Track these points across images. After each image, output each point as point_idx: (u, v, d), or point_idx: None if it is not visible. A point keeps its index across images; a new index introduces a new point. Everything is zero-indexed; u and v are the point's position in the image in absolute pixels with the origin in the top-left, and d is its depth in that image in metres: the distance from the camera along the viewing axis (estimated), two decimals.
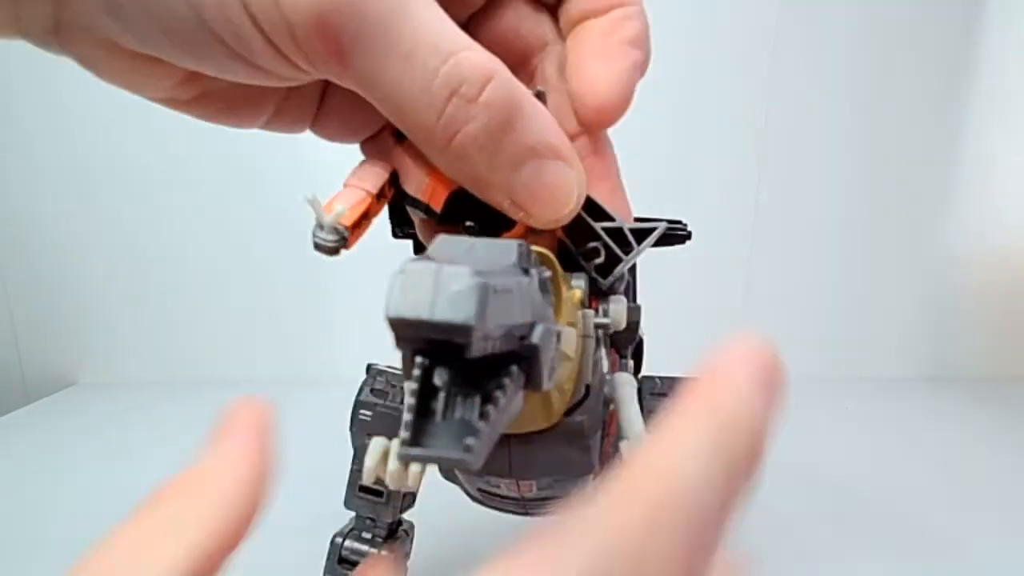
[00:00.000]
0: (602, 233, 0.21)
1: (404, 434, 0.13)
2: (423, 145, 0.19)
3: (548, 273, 0.18)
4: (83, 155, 0.76)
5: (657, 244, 0.29)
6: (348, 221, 0.18)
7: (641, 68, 0.21)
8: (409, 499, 0.36)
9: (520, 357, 0.14)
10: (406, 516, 0.38)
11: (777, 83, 0.76)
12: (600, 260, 0.21)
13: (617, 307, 0.23)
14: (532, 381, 0.15)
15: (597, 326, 0.22)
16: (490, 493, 0.29)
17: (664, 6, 0.76)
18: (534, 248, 0.18)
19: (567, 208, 0.20)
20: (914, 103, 0.78)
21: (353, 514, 0.35)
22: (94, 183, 0.77)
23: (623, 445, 0.22)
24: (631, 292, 0.30)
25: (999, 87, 0.78)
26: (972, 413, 0.72)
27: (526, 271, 0.15)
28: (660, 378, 0.31)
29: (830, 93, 0.77)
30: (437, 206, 0.20)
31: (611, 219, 0.21)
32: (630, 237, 0.21)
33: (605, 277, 0.21)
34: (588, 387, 0.22)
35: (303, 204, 0.18)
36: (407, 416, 0.13)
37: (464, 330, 0.11)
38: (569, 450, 0.22)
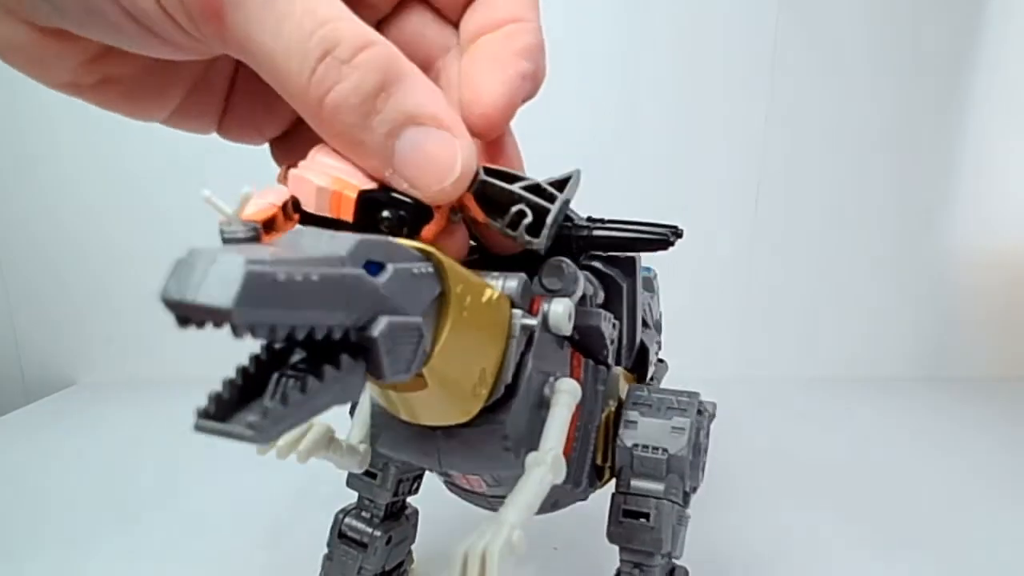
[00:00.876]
0: (520, 192, 0.20)
1: (207, 405, 0.13)
2: (300, 108, 0.19)
3: (426, 269, 0.17)
4: (83, 155, 0.76)
5: (640, 249, 0.28)
6: (259, 217, 0.18)
7: (531, 79, 0.21)
8: (408, 484, 0.37)
9: (360, 347, 0.15)
10: (413, 502, 0.39)
11: (777, 84, 0.76)
12: (528, 219, 0.20)
13: (556, 308, 0.23)
14: (374, 371, 0.15)
15: (523, 327, 0.22)
16: (456, 486, 0.29)
17: (665, 8, 0.76)
18: (411, 244, 0.17)
19: (450, 178, 0.19)
20: (914, 103, 0.78)
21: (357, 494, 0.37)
22: (94, 183, 0.77)
23: (529, 457, 0.21)
24: (622, 300, 0.29)
25: (999, 87, 0.78)
26: (972, 413, 0.72)
27: (377, 266, 0.15)
28: (651, 389, 0.30)
29: (830, 94, 0.77)
30: (348, 216, 0.19)
31: (522, 179, 0.21)
32: (550, 189, 0.20)
33: (538, 235, 0.20)
34: (512, 387, 0.22)
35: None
36: (215, 389, 0.13)
37: (224, 313, 0.11)
38: (489, 446, 0.22)
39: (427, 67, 0.23)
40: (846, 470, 0.57)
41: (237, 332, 0.12)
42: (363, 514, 0.36)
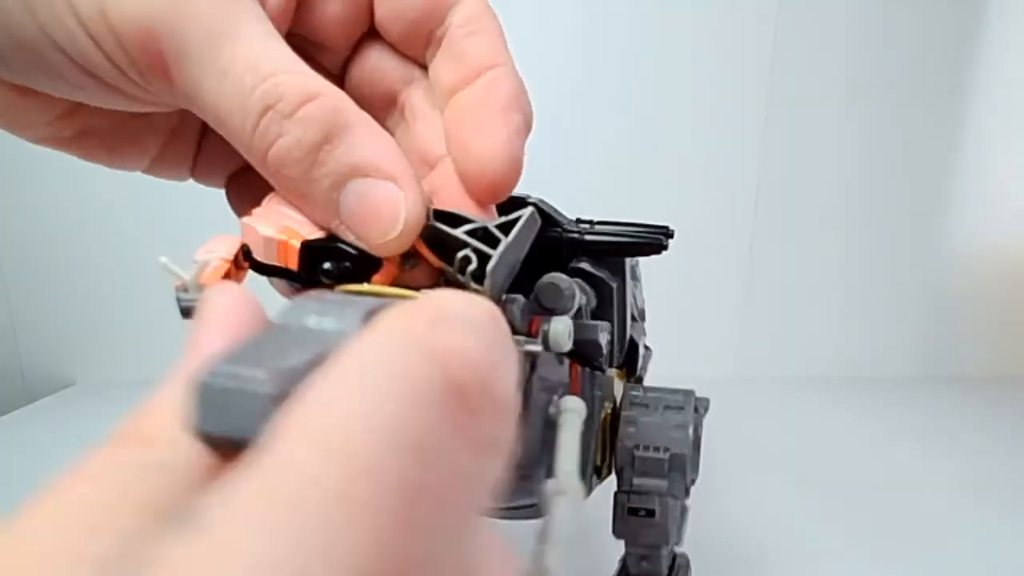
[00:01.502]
0: (465, 238, 0.19)
1: None
2: (249, 160, 0.19)
3: None
4: None
5: (633, 254, 0.28)
6: (213, 279, 0.18)
7: (524, 127, 0.21)
8: None
9: None
10: None
11: (777, 84, 0.76)
12: (473, 266, 0.19)
13: (557, 326, 0.22)
14: None
15: (527, 354, 0.21)
16: None
17: (665, 6, 0.76)
18: (408, 294, 0.17)
19: (393, 230, 0.18)
20: (914, 103, 0.78)
21: None
22: (94, 183, 0.77)
23: (548, 484, 0.21)
24: (613, 303, 0.29)
25: (999, 87, 0.78)
26: (972, 413, 0.72)
27: None
28: (646, 388, 0.31)
29: (830, 93, 0.77)
30: (293, 265, 0.19)
31: (471, 221, 0.20)
32: (497, 233, 0.20)
33: (482, 283, 0.19)
34: (521, 415, 0.22)
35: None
36: None
37: (246, 438, 0.11)
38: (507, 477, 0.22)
39: (391, 99, 0.23)
40: (846, 470, 0.57)
41: None
42: None
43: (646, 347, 0.42)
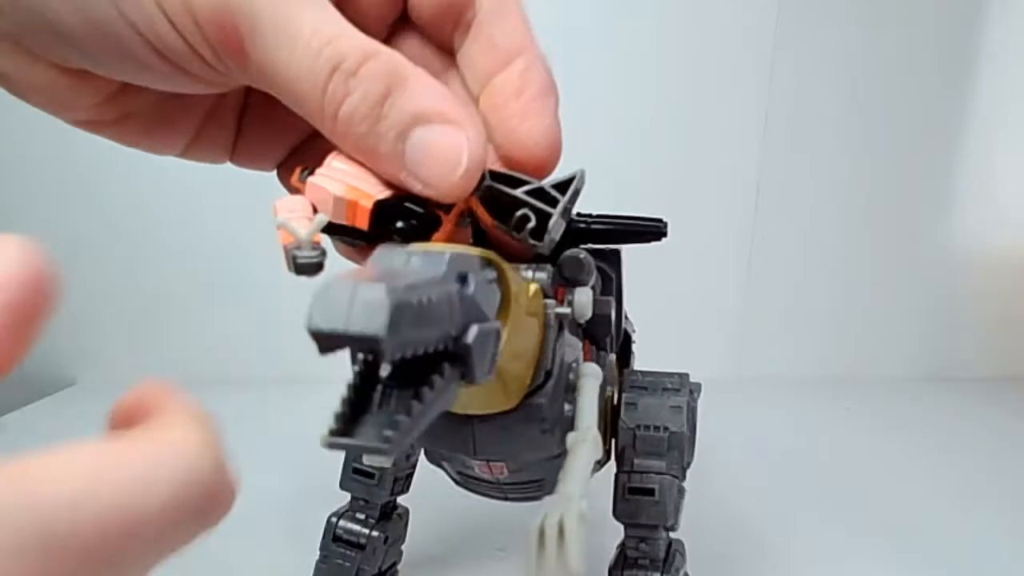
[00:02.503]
0: (523, 197, 0.21)
1: (332, 424, 0.14)
2: (318, 124, 0.20)
3: (493, 275, 0.19)
4: (83, 156, 0.76)
5: (634, 241, 0.30)
6: (318, 237, 0.19)
7: (557, 106, 0.22)
8: (402, 483, 0.37)
9: (455, 355, 0.16)
10: (402, 501, 0.39)
11: (777, 84, 0.77)
12: (532, 224, 0.21)
13: (581, 298, 0.24)
14: (468, 376, 0.16)
15: (557, 315, 0.23)
16: (468, 476, 0.30)
17: (665, 6, 0.76)
18: (476, 252, 0.19)
19: (458, 170, 0.19)
20: (914, 102, 0.78)
21: (349, 496, 0.37)
22: (93, 183, 0.77)
23: (569, 437, 0.23)
24: (612, 290, 0.30)
25: (999, 87, 0.78)
26: (972, 413, 0.72)
27: (464, 278, 0.16)
28: (643, 372, 0.32)
29: (830, 93, 0.77)
30: (364, 225, 0.20)
31: (527, 182, 0.21)
32: (554, 192, 0.21)
33: (542, 238, 0.21)
34: (549, 372, 0.23)
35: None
36: (337, 408, 0.14)
37: (375, 341, 0.12)
38: (528, 430, 0.24)
39: None
40: (845, 470, 0.57)
41: (384, 356, 0.13)
42: (357, 515, 0.37)
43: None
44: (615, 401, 0.31)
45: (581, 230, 0.29)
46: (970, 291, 0.84)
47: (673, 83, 0.77)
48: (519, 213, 0.21)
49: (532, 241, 0.21)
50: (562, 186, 0.21)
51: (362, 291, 0.12)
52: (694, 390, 0.32)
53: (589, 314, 0.25)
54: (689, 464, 0.31)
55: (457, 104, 0.20)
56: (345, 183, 0.20)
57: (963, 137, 0.80)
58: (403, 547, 0.40)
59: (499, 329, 0.18)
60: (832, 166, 0.79)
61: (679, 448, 0.29)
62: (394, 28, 0.24)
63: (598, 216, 0.29)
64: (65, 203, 0.78)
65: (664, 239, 0.29)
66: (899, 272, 0.83)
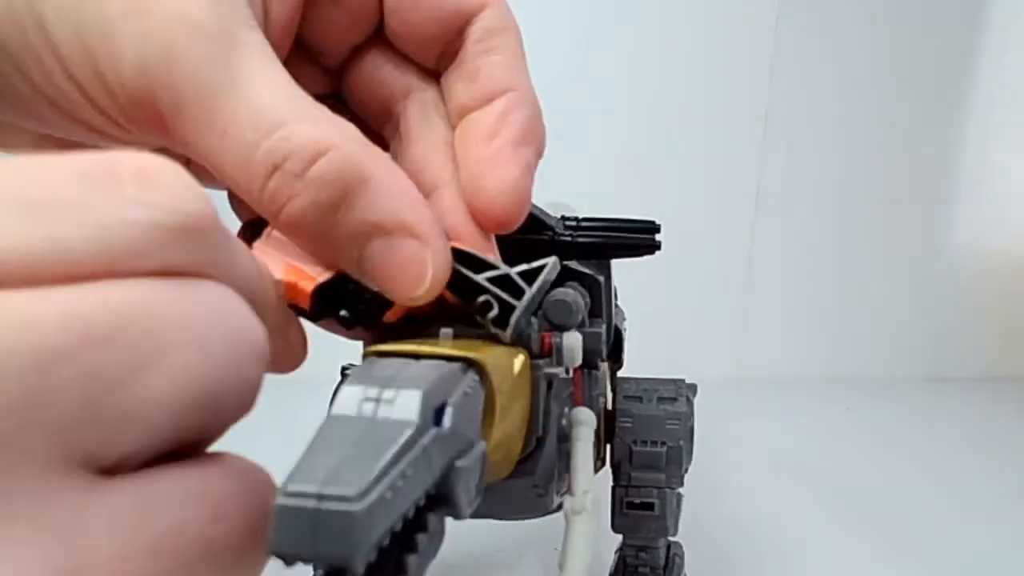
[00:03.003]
0: (487, 285, 0.19)
1: None
2: (260, 213, 0.18)
3: (474, 379, 0.17)
4: None
5: (625, 256, 0.28)
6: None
7: (536, 159, 0.20)
8: None
9: (437, 498, 0.14)
10: None
11: (777, 83, 0.76)
12: (494, 312, 0.19)
13: (570, 343, 0.23)
14: (454, 515, 0.15)
15: (547, 376, 0.22)
16: None
17: (665, 6, 0.76)
18: (447, 350, 0.17)
19: (420, 289, 0.18)
20: (914, 102, 0.78)
21: None
22: None
23: (566, 504, 0.21)
24: (604, 310, 0.29)
25: (999, 87, 0.78)
26: (972, 413, 0.72)
27: (440, 412, 0.15)
28: (637, 380, 0.31)
29: (830, 93, 0.77)
30: (305, 306, 0.18)
31: (494, 267, 0.20)
32: (520, 282, 0.20)
33: (504, 328, 0.19)
34: (540, 439, 0.22)
35: None
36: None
37: (346, 560, 0.11)
38: (523, 494, 0.23)
39: (387, 110, 0.22)
40: (845, 470, 0.57)
41: (357, 571, 0.12)
42: None
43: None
44: (609, 406, 0.30)
45: (567, 243, 0.27)
46: (970, 291, 0.84)
47: (673, 83, 0.77)
48: (481, 299, 0.19)
49: (495, 329, 0.20)
50: (530, 275, 0.20)
51: (326, 507, 0.11)
52: (690, 395, 0.31)
53: (579, 360, 0.23)
54: (687, 470, 0.30)
55: (422, 209, 0.18)
56: (285, 262, 0.18)
57: (963, 137, 0.80)
58: None
59: (484, 452, 0.16)
60: (832, 166, 0.79)
61: (677, 461, 0.29)
62: (358, 48, 0.22)
63: (586, 220, 0.28)
64: None
65: (658, 252, 0.28)
66: (899, 272, 0.83)
